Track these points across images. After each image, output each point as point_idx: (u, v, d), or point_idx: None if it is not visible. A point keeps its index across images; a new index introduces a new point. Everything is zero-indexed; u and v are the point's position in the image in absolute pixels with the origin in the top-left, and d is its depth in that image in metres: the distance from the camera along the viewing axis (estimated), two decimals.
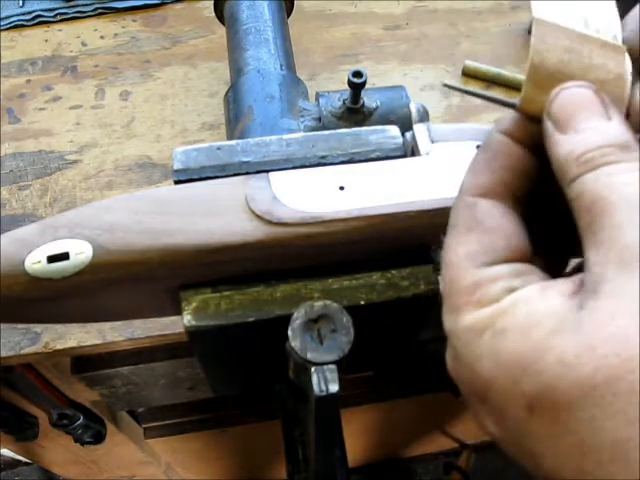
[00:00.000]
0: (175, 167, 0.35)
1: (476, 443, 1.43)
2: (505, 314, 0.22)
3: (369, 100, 0.51)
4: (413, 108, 0.49)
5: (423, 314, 0.35)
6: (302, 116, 0.51)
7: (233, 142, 0.37)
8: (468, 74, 0.70)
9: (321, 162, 0.34)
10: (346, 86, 0.48)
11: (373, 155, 0.34)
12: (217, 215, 0.31)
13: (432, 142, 0.34)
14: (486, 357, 0.22)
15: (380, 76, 0.68)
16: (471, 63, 0.69)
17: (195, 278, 0.32)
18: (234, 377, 0.42)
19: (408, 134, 0.36)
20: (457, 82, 0.69)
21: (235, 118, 0.51)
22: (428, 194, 0.32)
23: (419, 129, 0.35)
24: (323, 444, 0.40)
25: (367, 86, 0.49)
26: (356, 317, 0.31)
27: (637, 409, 0.19)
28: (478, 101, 0.68)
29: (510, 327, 0.22)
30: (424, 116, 0.47)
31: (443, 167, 0.33)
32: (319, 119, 0.51)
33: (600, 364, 0.20)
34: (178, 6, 0.74)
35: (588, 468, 0.20)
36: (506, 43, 0.73)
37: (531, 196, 0.26)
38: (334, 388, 0.30)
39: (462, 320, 0.23)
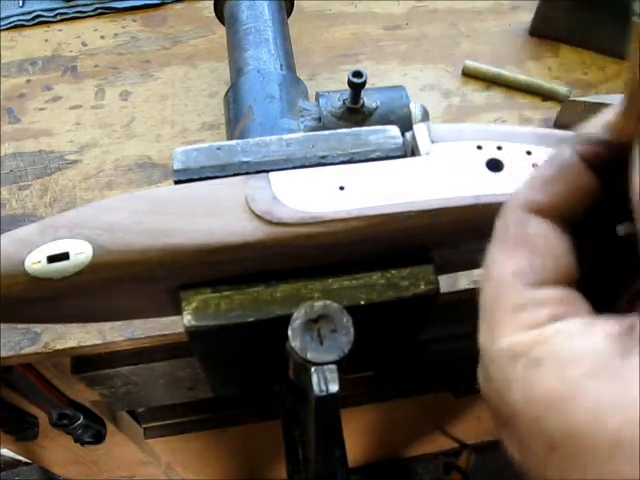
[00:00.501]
0: (175, 167, 0.35)
1: (476, 443, 1.43)
2: (544, 344, 0.22)
3: (369, 100, 0.51)
4: (413, 108, 0.49)
5: (423, 314, 0.35)
6: (302, 116, 0.51)
7: (233, 142, 0.37)
8: (468, 74, 0.70)
9: (321, 162, 0.34)
10: (346, 86, 0.48)
11: (373, 155, 0.34)
12: (217, 215, 0.31)
13: (432, 142, 0.34)
14: (517, 387, 0.22)
15: (380, 76, 0.68)
16: (471, 63, 0.69)
17: (195, 278, 0.32)
18: (234, 377, 0.42)
19: (408, 134, 0.36)
20: (457, 82, 0.69)
21: (235, 118, 0.51)
22: (428, 194, 0.32)
23: (419, 129, 0.35)
24: (323, 444, 0.40)
25: (367, 86, 0.49)
26: (356, 317, 0.31)
27: None
28: (478, 101, 0.68)
29: (547, 359, 0.21)
30: (424, 116, 0.47)
31: (443, 167, 0.33)
32: (319, 119, 0.51)
33: (636, 419, 0.19)
34: (178, 6, 0.74)
35: None
36: (506, 43, 0.73)
37: (588, 222, 0.24)
38: (334, 388, 0.30)
39: (499, 341, 0.23)
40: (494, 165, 0.33)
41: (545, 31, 0.74)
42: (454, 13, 0.74)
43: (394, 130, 0.36)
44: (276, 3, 0.59)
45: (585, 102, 0.66)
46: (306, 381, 0.31)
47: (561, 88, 0.69)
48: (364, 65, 0.69)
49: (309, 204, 0.32)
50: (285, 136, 0.37)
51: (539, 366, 0.21)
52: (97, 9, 0.74)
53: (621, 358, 0.20)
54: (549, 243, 0.23)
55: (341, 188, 0.32)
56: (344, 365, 0.31)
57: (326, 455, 0.43)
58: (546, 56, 0.72)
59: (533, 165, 0.34)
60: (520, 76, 0.69)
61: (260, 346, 0.35)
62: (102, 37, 0.72)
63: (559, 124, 0.68)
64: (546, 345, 0.21)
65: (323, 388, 0.30)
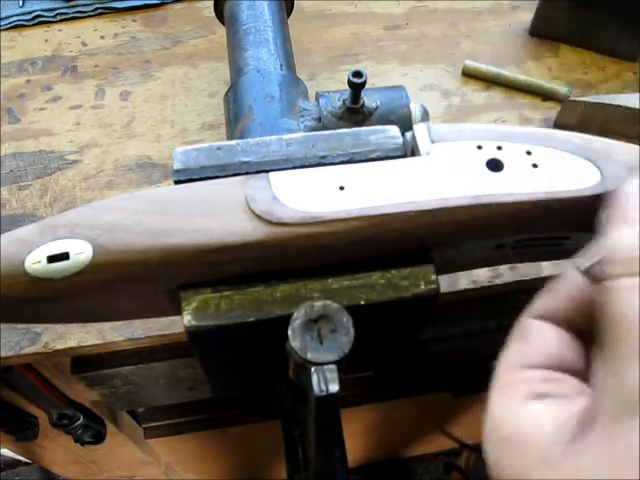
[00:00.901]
0: (175, 167, 0.35)
1: (476, 443, 1.43)
2: (515, 422, 0.25)
3: (369, 100, 0.51)
4: (413, 108, 0.49)
5: (423, 314, 0.35)
6: (302, 116, 0.51)
7: (233, 142, 0.37)
8: (468, 74, 0.70)
9: (321, 162, 0.34)
10: (346, 86, 0.48)
11: (373, 155, 0.34)
12: (217, 215, 0.31)
13: (432, 142, 0.34)
14: (491, 456, 0.26)
15: (380, 76, 0.68)
16: (471, 63, 0.69)
17: (195, 278, 0.32)
18: (234, 377, 0.42)
19: (408, 134, 0.36)
20: (457, 82, 0.69)
21: (235, 118, 0.51)
22: (428, 194, 0.32)
23: (419, 129, 0.35)
24: (323, 444, 0.40)
25: (367, 86, 0.49)
26: (356, 317, 0.31)
27: None
28: (478, 101, 0.68)
29: (513, 438, 0.25)
30: (424, 116, 0.47)
31: (443, 167, 0.33)
32: (319, 119, 0.51)
33: None
34: (178, 6, 0.74)
35: None
36: (506, 43, 0.73)
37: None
38: (334, 388, 0.30)
39: (491, 408, 0.27)
40: (494, 165, 0.33)
41: (545, 31, 0.74)
42: (454, 13, 0.74)
43: (394, 130, 0.36)
44: (276, 3, 0.59)
45: (585, 102, 0.66)
46: (306, 381, 0.31)
47: (561, 88, 0.69)
48: (364, 65, 0.69)
49: (309, 204, 0.32)
50: (285, 136, 0.37)
51: (506, 442, 0.25)
52: (97, 9, 0.74)
53: (570, 444, 0.23)
54: (542, 338, 0.28)
55: (341, 188, 0.32)
56: (344, 365, 0.31)
57: (326, 455, 0.43)
58: (546, 56, 0.72)
59: (533, 165, 0.34)
60: (520, 76, 0.69)
61: (260, 346, 0.35)
62: (102, 37, 0.72)
63: (559, 124, 0.68)
64: (516, 424, 0.25)
65: (323, 388, 0.30)
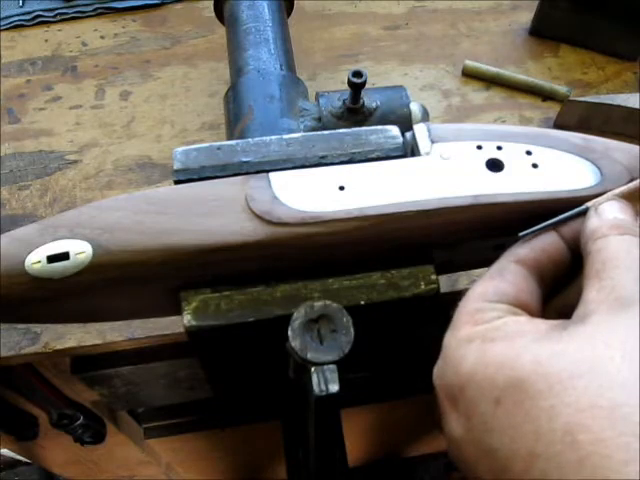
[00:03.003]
0: (175, 167, 0.35)
1: None
2: (496, 329, 0.27)
3: (369, 100, 0.51)
4: (413, 108, 0.49)
5: (423, 314, 0.35)
6: (302, 116, 0.51)
7: (233, 142, 0.37)
8: (468, 74, 0.70)
9: (321, 162, 0.34)
10: (346, 86, 0.48)
11: (373, 155, 0.34)
12: (217, 215, 0.31)
13: (432, 142, 0.34)
14: (471, 356, 0.27)
15: (380, 76, 0.68)
16: (471, 63, 0.69)
17: (195, 278, 0.32)
18: (234, 377, 0.42)
19: (408, 134, 0.36)
20: (457, 82, 0.69)
21: (235, 118, 0.51)
22: (428, 194, 0.32)
23: (419, 129, 0.35)
24: (323, 444, 0.40)
25: (367, 86, 0.49)
26: (356, 317, 0.31)
27: (588, 401, 0.23)
28: (478, 101, 0.68)
29: (498, 337, 0.27)
30: (424, 116, 0.47)
31: (443, 167, 0.33)
32: (319, 119, 0.51)
33: (568, 366, 0.24)
34: (178, 6, 0.74)
35: (539, 450, 0.23)
36: (506, 43, 0.73)
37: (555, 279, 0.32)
38: (334, 388, 0.30)
39: (458, 333, 0.28)
40: (494, 165, 0.33)
41: (545, 31, 0.74)
42: (454, 13, 0.74)
43: (394, 130, 0.36)
44: (276, 3, 0.59)
45: (585, 102, 0.66)
46: (306, 381, 0.31)
47: (561, 88, 0.69)
48: (364, 65, 0.69)
49: (309, 204, 0.32)
50: (285, 136, 0.37)
51: (492, 341, 0.27)
52: (97, 9, 0.74)
53: (560, 332, 0.26)
54: (515, 279, 0.31)
55: (341, 188, 0.32)
56: (344, 365, 0.31)
57: (326, 455, 0.43)
58: (546, 56, 0.72)
59: (533, 165, 0.34)
60: (520, 76, 0.69)
61: (260, 346, 0.35)
62: (102, 37, 0.72)
63: (559, 124, 0.68)
64: (497, 330, 0.27)
65: (323, 388, 0.30)
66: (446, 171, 0.33)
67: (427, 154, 0.33)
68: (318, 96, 0.52)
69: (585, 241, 0.30)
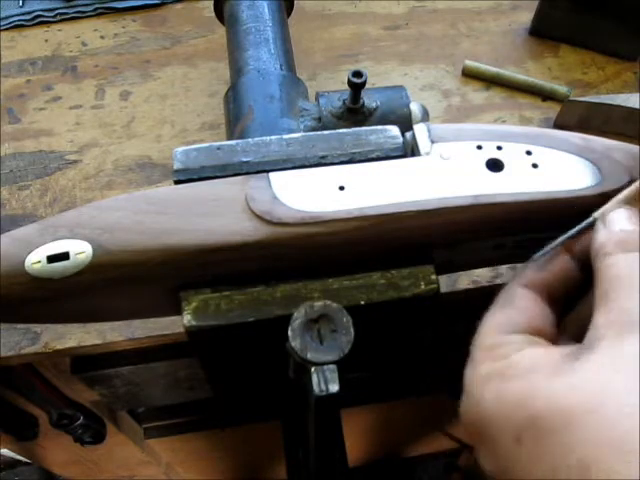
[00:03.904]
0: (175, 167, 0.35)
1: None
2: (512, 366, 0.28)
3: (369, 100, 0.51)
4: (413, 108, 0.49)
5: (424, 314, 0.35)
6: (302, 116, 0.51)
7: (233, 142, 0.37)
8: (468, 74, 0.70)
9: (321, 162, 0.34)
10: (346, 86, 0.48)
11: (373, 155, 0.34)
12: (217, 215, 0.31)
13: (432, 142, 0.34)
14: (490, 398, 0.27)
15: (380, 76, 0.68)
16: (471, 63, 0.69)
17: (195, 278, 0.32)
18: (234, 377, 0.42)
19: (408, 134, 0.36)
20: (457, 82, 0.69)
21: (235, 118, 0.51)
22: (428, 194, 0.32)
23: (419, 129, 0.35)
24: (323, 444, 0.40)
25: (367, 86, 0.49)
26: (356, 317, 0.31)
27: (600, 435, 0.23)
28: (478, 101, 0.68)
29: (514, 375, 0.27)
30: (424, 116, 0.47)
31: (443, 167, 0.33)
32: (319, 119, 0.51)
33: (581, 400, 0.24)
34: (178, 6, 0.74)
35: None
36: (506, 43, 0.73)
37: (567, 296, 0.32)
38: (334, 388, 0.30)
39: (477, 371, 0.29)
40: (494, 165, 0.33)
41: (545, 31, 0.74)
42: (454, 13, 0.74)
43: (394, 130, 0.36)
44: (276, 3, 0.59)
45: (585, 102, 0.66)
46: (306, 381, 0.31)
47: (561, 88, 0.69)
48: (364, 65, 0.69)
49: (309, 204, 0.32)
50: (285, 136, 0.37)
51: (509, 380, 0.27)
52: (97, 9, 0.74)
53: (572, 363, 0.26)
54: (525, 305, 0.31)
55: (341, 188, 0.32)
56: (344, 365, 0.31)
57: (326, 455, 0.43)
58: (546, 56, 0.72)
59: (533, 165, 0.34)
60: (520, 76, 0.69)
61: (260, 346, 0.35)
62: (102, 37, 0.72)
63: (559, 124, 0.68)
64: (514, 366, 0.28)
65: (323, 388, 0.30)
66: (446, 171, 0.33)
67: (427, 154, 0.33)
68: (318, 96, 0.52)
69: (594, 255, 0.30)
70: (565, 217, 0.34)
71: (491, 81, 0.70)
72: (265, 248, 0.31)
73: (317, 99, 0.52)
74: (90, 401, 0.74)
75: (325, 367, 0.30)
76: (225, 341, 0.34)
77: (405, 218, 0.32)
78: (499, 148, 0.34)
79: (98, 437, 0.78)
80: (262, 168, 0.34)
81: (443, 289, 0.58)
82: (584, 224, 0.31)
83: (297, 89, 0.53)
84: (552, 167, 0.34)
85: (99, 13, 0.74)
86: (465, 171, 0.33)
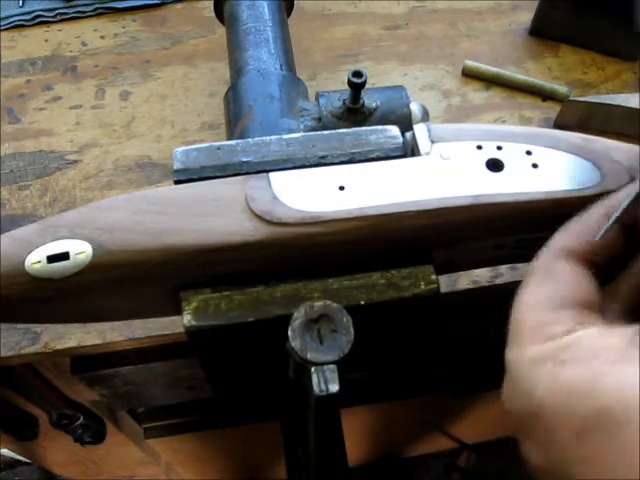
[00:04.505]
0: (175, 167, 0.35)
1: (476, 443, 1.43)
2: (567, 348, 0.25)
3: (369, 100, 0.51)
4: (413, 108, 0.49)
5: (424, 314, 0.35)
6: (302, 116, 0.51)
7: (233, 142, 0.37)
8: (468, 74, 0.70)
9: (321, 162, 0.34)
10: (346, 86, 0.48)
11: (373, 155, 0.34)
12: (217, 215, 0.31)
13: (432, 142, 0.34)
14: (543, 383, 0.25)
15: (380, 76, 0.68)
16: (471, 63, 0.69)
17: (195, 278, 0.32)
18: (234, 377, 0.42)
19: (408, 134, 0.36)
20: (457, 82, 0.69)
21: (235, 118, 0.51)
22: (428, 194, 0.32)
23: (419, 129, 0.35)
24: (323, 444, 0.40)
25: (367, 86, 0.49)
26: (356, 317, 0.31)
27: None
28: (478, 101, 0.68)
29: (571, 359, 0.25)
30: (424, 116, 0.47)
31: (443, 167, 0.33)
32: (319, 119, 0.51)
33: None
34: (178, 6, 0.74)
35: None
36: (506, 43, 0.73)
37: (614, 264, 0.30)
38: (334, 388, 0.30)
39: (526, 353, 0.26)
40: (494, 165, 0.33)
41: (545, 31, 0.74)
42: (454, 13, 0.74)
43: (394, 130, 0.36)
44: (276, 3, 0.59)
45: (585, 102, 0.66)
46: (306, 381, 0.31)
47: (561, 88, 0.69)
48: (364, 65, 0.69)
49: (309, 204, 0.32)
50: (285, 136, 0.37)
51: (564, 364, 0.24)
52: (97, 9, 0.74)
53: (634, 347, 0.23)
54: (570, 278, 0.28)
55: (341, 188, 0.32)
56: (344, 365, 0.31)
57: (326, 455, 0.43)
58: (546, 56, 0.72)
59: (533, 165, 0.34)
60: (520, 76, 0.69)
61: (260, 346, 0.35)
62: (102, 37, 0.72)
63: (559, 124, 0.68)
64: (569, 349, 0.25)
65: (323, 388, 0.30)
66: (446, 171, 0.33)
67: (427, 154, 0.34)
68: (318, 96, 0.52)
69: None
70: (565, 217, 0.34)
71: (491, 81, 0.70)
72: (265, 248, 0.31)
73: (317, 99, 0.52)
74: (90, 401, 0.74)
75: (325, 367, 0.30)
76: (225, 341, 0.34)
77: (405, 218, 0.32)
78: (499, 148, 0.34)
79: (98, 437, 0.78)
80: (262, 168, 0.34)
81: (443, 289, 0.58)
82: (634, 196, 0.29)
83: (297, 89, 0.53)
84: (552, 167, 0.34)
85: (99, 13, 0.74)
86: (465, 171, 0.33)
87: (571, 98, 0.66)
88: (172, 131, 0.65)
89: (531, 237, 0.34)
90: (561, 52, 0.73)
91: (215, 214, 0.31)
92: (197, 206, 0.32)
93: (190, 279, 0.32)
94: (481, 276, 0.58)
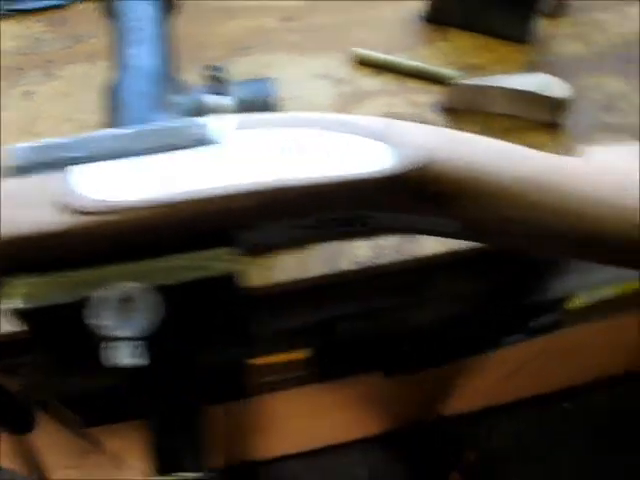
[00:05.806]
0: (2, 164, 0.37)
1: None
2: None
3: (234, 93, 0.53)
4: (273, 100, 0.52)
5: (231, 296, 0.37)
6: (173, 110, 0.53)
7: (66, 139, 0.39)
8: (361, 62, 0.72)
9: (126, 154, 0.36)
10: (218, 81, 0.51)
11: (177, 145, 0.36)
12: (25, 207, 0.34)
13: (233, 130, 0.36)
14: None
15: (272, 67, 0.70)
16: (361, 51, 0.72)
17: (10, 266, 0.35)
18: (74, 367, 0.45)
19: (215, 123, 0.37)
20: (349, 70, 0.72)
21: (110, 114, 0.53)
22: (225, 180, 0.34)
23: (222, 119, 0.37)
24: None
25: (258, 77, 0.51)
26: (165, 298, 0.34)
27: None
28: (369, 88, 0.71)
29: None
30: (274, 106, 0.50)
31: (241, 154, 0.35)
32: (189, 112, 0.53)
33: None
34: (80, 6, 0.76)
35: None
36: (400, 30, 0.75)
37: None
38: (134, 362, 0.32)
39: None
40: (292, 150, 0.36)
41: (439, 17, 0.76)
42: (348, 1, 0.76)
43: (201, 120, 0.38)
44: (156, 3, 0.61)
45: (467, 85, 0.68)
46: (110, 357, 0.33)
47: (450, 72, 0.71)
48: (257, 57, 0.71)
49: (110, 194, 0.34)
50: (117, 131, 0.39)
51: None
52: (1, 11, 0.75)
53: None
54: None
55: (142, 178, 0.35)
56: (151, 343, 0.34)
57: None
58: (440, 42, 0.75)
59: (330, 150, 0.36)
60: (411, 62, 0.72)
61: (81, 331, 0.38)
62: (7, 39, 0.74)
63: (446, 107, 0.70)
64: None
65: (124, 362, 0.32)
66: (245, 157, 0.35)
67: (227, 142, 0.36)
68: (188, 90, 0.54)
69: None
70: (361, 198, 0.36)
71: (383, 68, 0.72)
72: (71, 237, 0.34)
73: (187, 93, 0.54)
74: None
75: (126, 342, 0.33)
76: (40, 327, 0.36)
77: (205, 203, 0.34)
78: (299, 134, 0.36)
79: (25, 426, 0.81)
80: (82, 162, 0.37)
81: (322, 270, 0.60)
82: None
83: (171, 85, 0.55)
84: (349, 152, 0.36)
85: (4, 15, 0.75)
86: (263, 157, 0.35)
87: (455, 81, 0.69)
88: (73, 128, 0.67)
89: (331, 218, 0.37)
90: (455, 37, 0.75)
91: (24, 206, 0.34)
92: (7, 200, 0.34)
93: (6, 267, 0.35)
94: (361, 257, 0.60)
